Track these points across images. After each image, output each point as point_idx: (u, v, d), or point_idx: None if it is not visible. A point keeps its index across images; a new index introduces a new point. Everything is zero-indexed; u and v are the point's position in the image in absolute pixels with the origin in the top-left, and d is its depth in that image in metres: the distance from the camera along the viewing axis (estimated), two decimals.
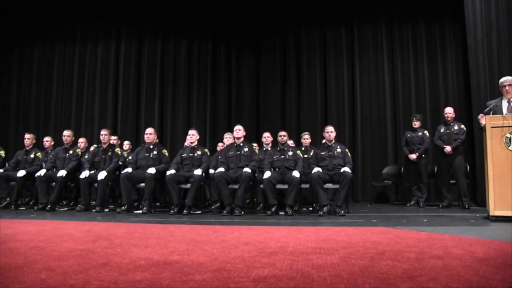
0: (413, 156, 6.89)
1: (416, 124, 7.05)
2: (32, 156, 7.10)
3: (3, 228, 3.95)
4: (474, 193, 6.93)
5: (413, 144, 6.98)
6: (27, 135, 7.32)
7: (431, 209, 6.34)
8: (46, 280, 1.95)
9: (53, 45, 10.00)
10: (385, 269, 2.14)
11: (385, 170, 8.19)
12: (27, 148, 7.22)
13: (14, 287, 1.84)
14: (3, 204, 6.55)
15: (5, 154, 7.50)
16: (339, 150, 6.00)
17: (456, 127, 6.62)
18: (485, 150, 4.58)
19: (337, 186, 5.65)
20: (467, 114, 7.52)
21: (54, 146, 7.32)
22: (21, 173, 6.63)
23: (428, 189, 7.12)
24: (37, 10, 9.73)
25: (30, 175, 6.65)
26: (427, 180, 6.98)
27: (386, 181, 7.96)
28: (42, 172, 6.52)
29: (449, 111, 6.76)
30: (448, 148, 6.50)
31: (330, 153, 5.98)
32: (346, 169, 5.66)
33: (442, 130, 6.74)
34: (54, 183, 6.43)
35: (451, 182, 6.65)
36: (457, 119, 6.83)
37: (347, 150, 6.14)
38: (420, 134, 7.02)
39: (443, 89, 8.42)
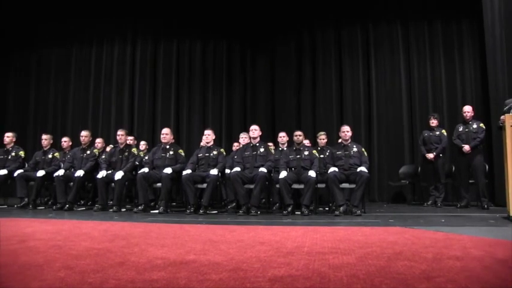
0: (430, 156, 6.80)
1: (433, 123, 6.96)
2: (50, 156, 7.19)
3: (23, 227, 4.02)
4: (492, 193, 6.82)
5: (431, 143, 6.90)
6: (44, 136, 7.42)
7: (449, 209, 6.25)
8: (65, 278, 1.97)
9: (70, 47, 10.16)
10: (402, 270, 2.11)
11: (402, 170, 8.10)
12: (45, 148, 7.32)
13: (33, 285, 1.87)
14: (22, 204, 6.66)
15: (24, 155, 7.61)
16: (355, 149, 5.96)
17: (475, 126, 6.51)
18: (505, 150, 4.50)
19: (353, 186, 5.61)
20: (485, 113, 7.39)
21: (71, 146, 7.40)
22: (40, 173, 6.73)
23: (446, 189, 7.03)
24: (54, 12, 9.89)
25: (49, 175, 6.75)
26: (444, 180, 6.89)
27: (403, 181, 7.88)
28: (60, 172, 6.60)
29: (468, 109, 6.65)
30: (466, 147, 6.40)
31: (346, 152, 5.95)
32: (363, 169, 5.62)
33: (460, 129, 6.63)
34: (72, 183, 6.51)
35: (470, 181, 6.54)
36: (475, 118, 6.71)
37: (363, 149, 6.09)
38: (438, 133, 6.92)
39: (461, 88, 8.31)
